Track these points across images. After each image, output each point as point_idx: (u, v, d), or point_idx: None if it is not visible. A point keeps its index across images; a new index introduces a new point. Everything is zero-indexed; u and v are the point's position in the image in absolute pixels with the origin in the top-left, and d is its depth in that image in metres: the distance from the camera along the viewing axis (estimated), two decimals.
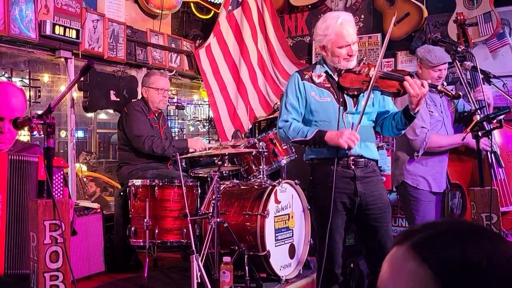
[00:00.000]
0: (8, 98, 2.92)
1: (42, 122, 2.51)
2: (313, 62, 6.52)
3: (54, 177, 2.85)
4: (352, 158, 3.69)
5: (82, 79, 5.94)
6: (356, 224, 3.98)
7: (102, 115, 9.02)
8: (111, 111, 6.95)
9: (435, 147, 4.53)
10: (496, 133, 4.63)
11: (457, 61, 4.63)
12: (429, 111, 4.54)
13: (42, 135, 2.56)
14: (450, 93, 3.61)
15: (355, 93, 3.70)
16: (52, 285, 2.43)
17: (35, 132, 2.75)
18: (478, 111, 4.44)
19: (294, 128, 3.71)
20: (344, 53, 3.64)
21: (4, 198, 2.77)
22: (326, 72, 3.78)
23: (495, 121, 4.03)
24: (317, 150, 3.77)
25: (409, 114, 3.58)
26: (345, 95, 3.72)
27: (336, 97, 3.71)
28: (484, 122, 3.97)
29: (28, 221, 2.71)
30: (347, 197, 3.72)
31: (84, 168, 7.57)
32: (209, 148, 5.64)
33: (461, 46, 4.72)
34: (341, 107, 3.69)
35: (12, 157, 2.85)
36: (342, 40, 3.63)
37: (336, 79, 3.73)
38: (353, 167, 3.70)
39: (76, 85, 5.92)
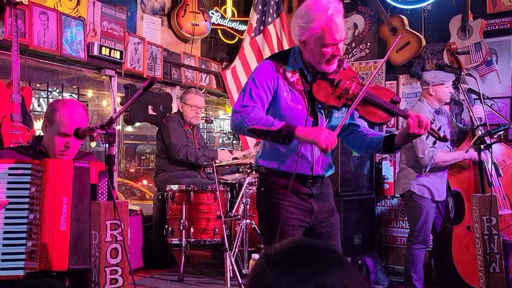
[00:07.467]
0: (74, 116, 2.86)
1: (104, 132, 2.43)
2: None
3: (104, 181, 2.81)
4: (310, 177, 2.78)
5: (123, 95, 5.89)
6: None
7: (129, 128, 8.92)
8: (137, 124, 6.87)
9: (441, 163, 4.49)
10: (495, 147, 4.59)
11: (461, 84, 4.61)
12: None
13: (105, 144, 2.48)
14: (437, 135, 2.65)
15: (328, 109, 2.72)
16: (111, 279, 2.36)
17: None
18: (480, 127, 4.44)
19: (256, 115, 2.53)
20: (330, 53, 2.58)
21: (69, 200, 2.73)
22: (300, 69, 2.71)
23: (495, 136, 4.01)
24: (273, 158, 2.78)
25: (391, 147, 2.71)
26: (316, 106, 2.69)
27: (306, 105, 2.67)
28: (486, 137, 3.91)
29: (85, 221, 2.70)
30: (302, 214, 2.80)
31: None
32: (233, 158, 5.59)
33: (464, 71, 4.70)
34: (312, 120, 2.68)
35: (75, 164, 2.80)
36: (329, 36, 2.54)
37: (310, 82, 2.71)
38: (310, 185, 2.79)
39: (119, 100, 5.87)
